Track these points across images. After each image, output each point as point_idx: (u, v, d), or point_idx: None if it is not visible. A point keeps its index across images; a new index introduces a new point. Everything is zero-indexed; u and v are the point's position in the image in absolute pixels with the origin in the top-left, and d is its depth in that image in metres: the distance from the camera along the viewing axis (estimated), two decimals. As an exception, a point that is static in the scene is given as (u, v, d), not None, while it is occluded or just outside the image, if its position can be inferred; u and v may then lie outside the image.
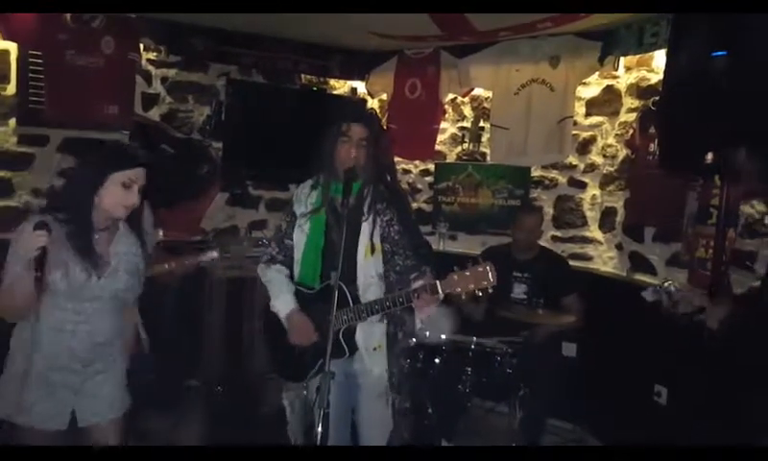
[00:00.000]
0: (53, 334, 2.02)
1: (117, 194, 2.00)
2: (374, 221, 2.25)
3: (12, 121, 3.88)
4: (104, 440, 2.12)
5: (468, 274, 2.03)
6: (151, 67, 4.31)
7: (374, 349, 2.27)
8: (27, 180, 3.93)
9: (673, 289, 3.11)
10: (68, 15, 3.74)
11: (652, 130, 3.52)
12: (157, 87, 4.36)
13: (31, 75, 3.84)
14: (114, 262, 2.08)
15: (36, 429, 2.04)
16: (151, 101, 4.33)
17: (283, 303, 2.32)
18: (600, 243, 4.17)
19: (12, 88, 3.86)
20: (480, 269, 2.03)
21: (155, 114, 4.34)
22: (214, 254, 3.09)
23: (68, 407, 2.07)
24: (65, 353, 2.04)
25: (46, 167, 3.89)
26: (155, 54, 4.29)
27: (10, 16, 3.57)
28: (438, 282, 2.07)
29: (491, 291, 2.05)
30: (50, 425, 2.04)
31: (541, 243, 3.83)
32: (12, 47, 3.82)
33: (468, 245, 4.59)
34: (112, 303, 2.11)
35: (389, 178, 2.37)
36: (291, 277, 2.39)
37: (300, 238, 2.34)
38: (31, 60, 3.83)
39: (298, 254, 2.36)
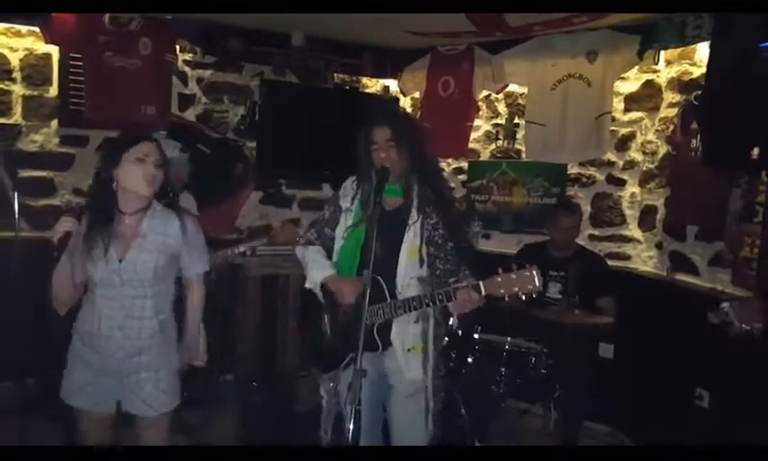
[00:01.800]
0: (93, 321, 2.10)
1: (135, 170, 2.06)
2: (422, 224, 2.24)
3: (54, 122, 4.00)
4: (148, 430, 2.18)
5: (513, 276, 2.01)
6: (187, 68, 4.37)
7: (409, 350, 2.24)
8: (68, 179, 4.05)
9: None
10: (107, 18, 3.81)
11: (694, 125, 3.40)
12: (193, 88, 4.42)
13: (71, 77, 3.96)
14: (137, 243, 2.10)
15: (86, 412, 2.14)
16: (187, 101, 4.40)
17: (320, 273, 2.31)
18: (639, 242, 4.06)
19: (54, 91, 3.97)
20: (527, 273, 2.00)
21: (190, 115, 4.41)
22: (241, 248, 3.19)
23: (113, 395, 2.14)
24: (105, 341, 2.09)
25: (86, 167, 3.97)
26: (190, 55, 4.35)
27: (51, 21, 3.66)
28: (481, 283, 2.05)
29: (535, 295, 2.03)
30: (98, 409, 2.14)
31: (579, 242, 3.75)
32: (53, 51, 3.93)
33: (502, 244, 4.52)
34: (144, 288, 2.11)
35: (434, 179, 2.33)
36: (329, 258, 2.38)
37: (340, 232, 2.35)
38: (71, 62, 3.95)
39: (337, 247, 2.36)
